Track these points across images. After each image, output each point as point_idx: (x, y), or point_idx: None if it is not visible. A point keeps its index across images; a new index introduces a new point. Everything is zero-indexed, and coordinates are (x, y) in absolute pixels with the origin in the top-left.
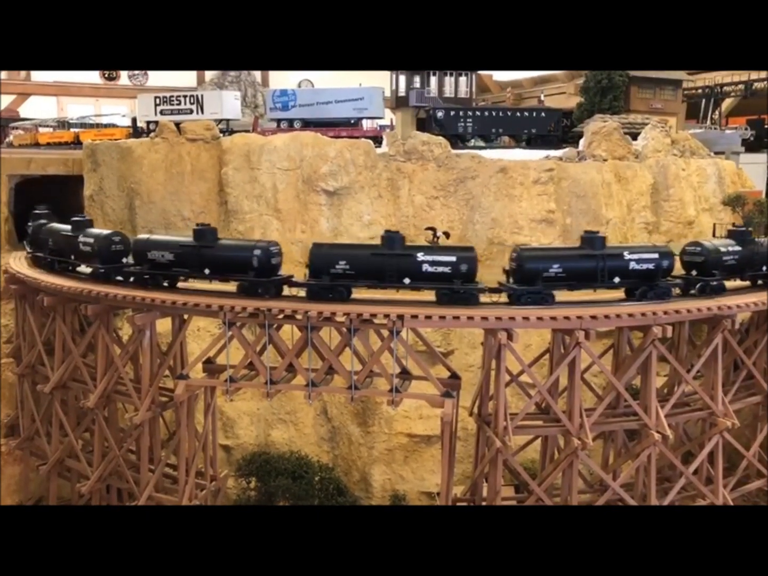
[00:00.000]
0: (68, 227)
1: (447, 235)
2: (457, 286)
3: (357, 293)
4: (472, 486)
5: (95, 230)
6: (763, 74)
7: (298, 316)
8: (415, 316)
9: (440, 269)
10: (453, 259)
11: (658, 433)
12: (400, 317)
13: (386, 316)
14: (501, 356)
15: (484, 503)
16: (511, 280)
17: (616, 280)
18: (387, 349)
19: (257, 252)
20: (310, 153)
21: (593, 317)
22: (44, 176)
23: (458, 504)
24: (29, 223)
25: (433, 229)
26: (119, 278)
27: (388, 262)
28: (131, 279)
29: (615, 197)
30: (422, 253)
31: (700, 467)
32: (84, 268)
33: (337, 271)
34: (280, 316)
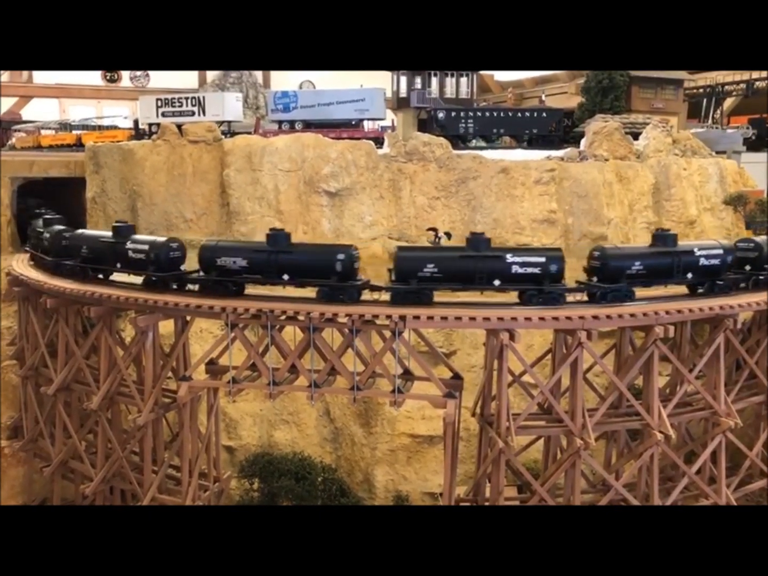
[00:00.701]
0: (107, 234)
1: (449, 235)
2: (546, 286)
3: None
4: (474, 486)
5: (147, 237)
6: (764, 73)
7: (300, 317)
8: (417, 317)
9: (530, 270)
10: (542, 259)
11: (660, 432)
12: (402, 318)
13: (388, 317)
14: (503, 356)
15: (486, 503)
16: (594, 278)
17: (689, 275)
18: (389, 349)
19: (341, 256)
20: (311, 154)
21: (595, 317)
22: (46, 179)
23: (461, 504)
24: (41, 230)
25: (434, 229)
26: (174, 286)
27: (477, 265)
28: (191, 286)
29: (616, 197)
30: (511, 254)
31: (702, 467)
32: (125, 276)
33: (424, 275)
34: (282, 318)
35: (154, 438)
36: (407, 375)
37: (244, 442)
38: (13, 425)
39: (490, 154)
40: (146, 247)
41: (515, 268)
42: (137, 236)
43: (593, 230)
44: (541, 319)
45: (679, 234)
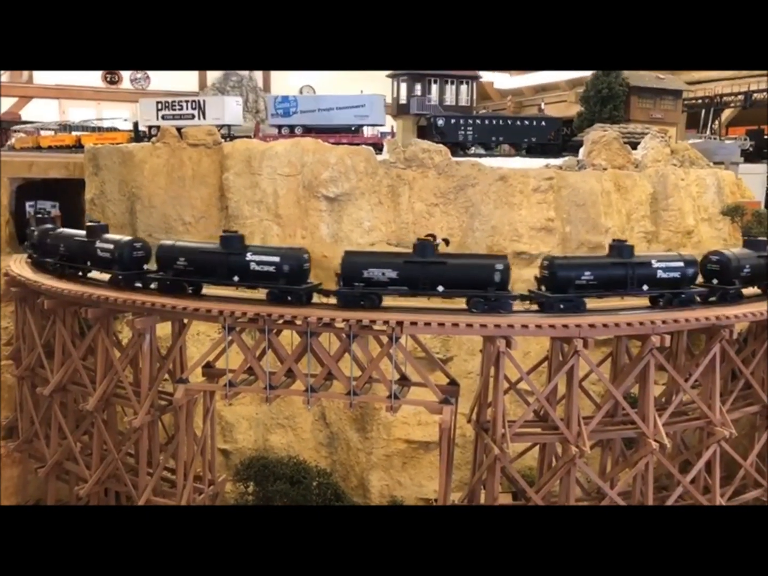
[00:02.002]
0: (212, 245)
1: (447, 242)
2: (684, 289)
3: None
4: (469, 493)
5: (273, 247)
6: (762, 85)
7: (298, 322)
8: (414, 323)
9: (672, 275)
10: (681, 264)
11: (655, 441)
12: (399, 323)
13: (385, 322)
14: (499, 364)
15: None
16: (715, 281)
17: None
18: (386, 355)
19: (500, 266)
20: (311, 159)
21: (591, 326)
22: (45, 179)
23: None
24: (88, 240)
25: (432, 236)
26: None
27: (629, 271)
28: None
29: (614, 206)
30: (656, 260)
31: (697, 476)
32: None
33: (581, 283)
34: (280, 321)
35: (149, 440)
36: (404, 380)
37: (239, 446)
38: (8, 425)
39: (488, 162)
40: (276, 259)
41: (660, 273)
42: (259, 247)
43: (591, 239)
44: (538, 326)
45: (676, 244)
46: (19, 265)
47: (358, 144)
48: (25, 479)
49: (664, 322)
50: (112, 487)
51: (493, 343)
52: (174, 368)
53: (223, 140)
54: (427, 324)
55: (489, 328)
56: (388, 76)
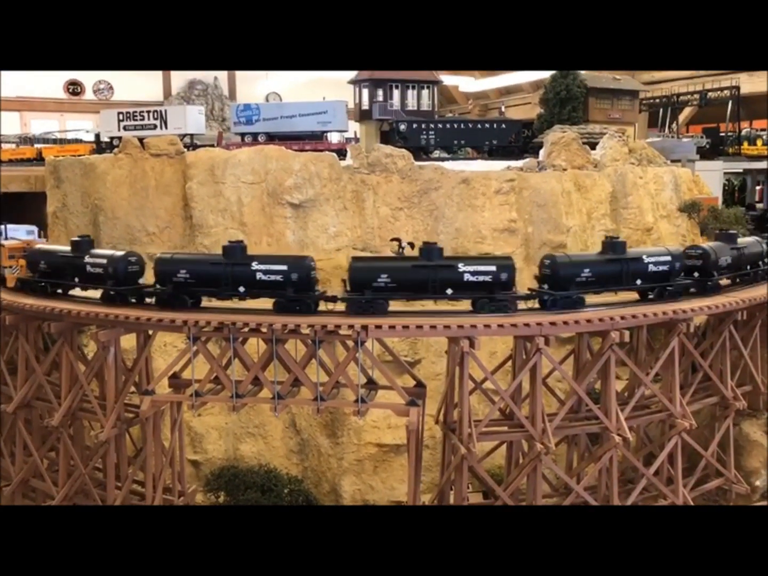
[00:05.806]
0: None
1: (412, 245)
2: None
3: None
4: (439, 493)
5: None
6: (716, 84)
7: (263, 329)
8: (378, 326)
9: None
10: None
11: (618, 435)
12: (364, 328)
13: (350, 326)
14: (464, 364)
15: None
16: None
17: None
18: (353, 359)
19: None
20: (274, 166)
21: (552, 323)
22: (5, 194)
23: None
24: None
25: (398, 240)
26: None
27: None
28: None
29: (575, 206)
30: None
31: (660, 468)
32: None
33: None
34: (245, 330)
35: (117, 453)
36: (371, 384)
37: (209, 456)
38: None
39: (451, 165)
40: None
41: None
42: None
43: (553, 239)
44: (500, 326)
45: (636, 241)
46: None
47: (322, 150)
48: None
49: (622, 318)
50: (81, 502)
51: (456, 343)
52: (140, 380)
53: (185, 149)
54: (392, 327)
55: (452, 329)
56: (349, 82)
